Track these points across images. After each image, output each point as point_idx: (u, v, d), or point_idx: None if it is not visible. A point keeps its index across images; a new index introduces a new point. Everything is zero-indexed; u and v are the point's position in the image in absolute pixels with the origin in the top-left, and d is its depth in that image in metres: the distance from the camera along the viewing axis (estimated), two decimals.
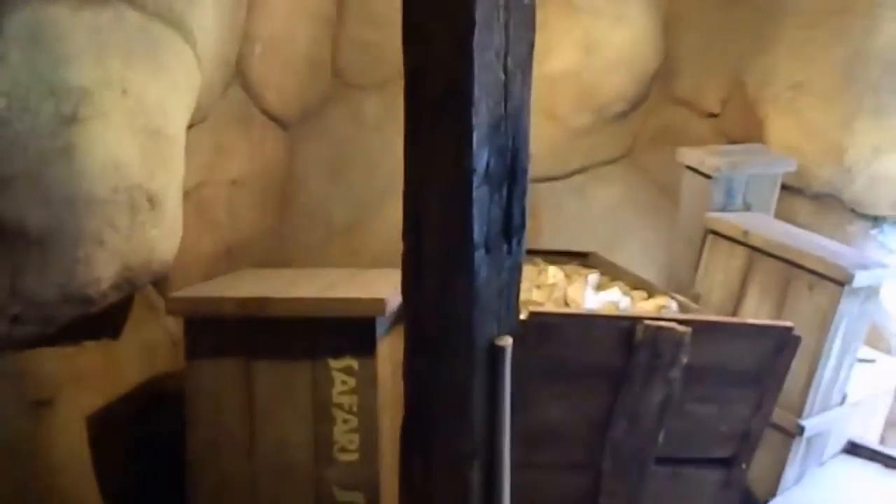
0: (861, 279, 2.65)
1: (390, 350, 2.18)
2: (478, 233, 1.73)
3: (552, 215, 3.60)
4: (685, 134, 3.75)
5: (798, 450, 2.84)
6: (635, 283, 2.75)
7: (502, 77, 1.71)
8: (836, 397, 2.93)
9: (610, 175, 3.70)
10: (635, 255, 3.57)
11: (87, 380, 2.24)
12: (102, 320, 2.26)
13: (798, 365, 2.73)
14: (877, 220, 3.54)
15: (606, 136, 3.65)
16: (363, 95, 3.32)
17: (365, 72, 3.30)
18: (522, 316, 1.94)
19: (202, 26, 2.38)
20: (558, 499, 2.16)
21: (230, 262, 2.90)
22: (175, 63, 2.18)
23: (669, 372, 2.07)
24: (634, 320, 2.01)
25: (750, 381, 2.15)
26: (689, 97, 3.79)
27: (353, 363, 2.11)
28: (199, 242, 2.72)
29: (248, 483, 2.13)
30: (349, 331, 2.08)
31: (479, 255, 1.74)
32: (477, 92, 1.64)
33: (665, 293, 2.63)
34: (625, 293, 2.56)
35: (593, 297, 2.44)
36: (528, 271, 2.70)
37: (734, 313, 2.92)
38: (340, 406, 2.12)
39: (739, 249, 2.91)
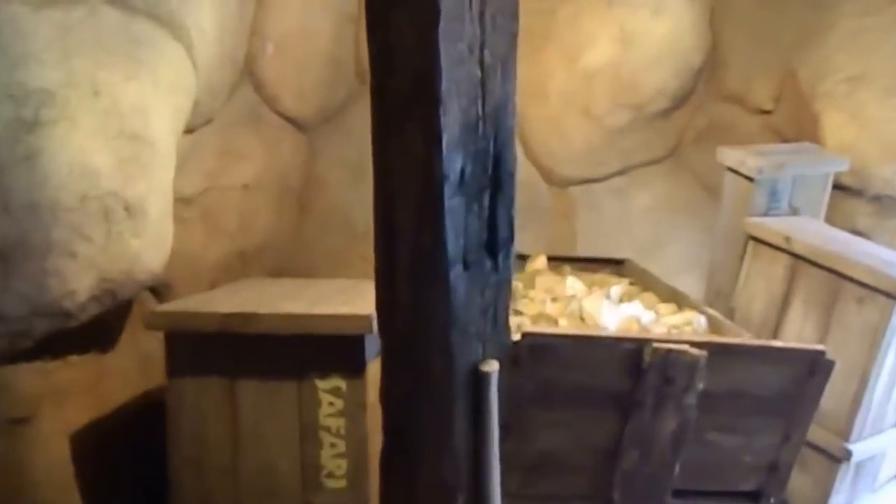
0: None
1: None
2: (453, 248, 1.50)
3: (589, 219, 3.32)
4: (734, 132, 3.41)
5: (846, 476, 2.52)
6: (666, 295, 2.46)
7: (478, 73, 1.46)
8: (892, 418, 2.59)
9: (651, 176, 3.39)
10: (678, 262, 3.27)
11: (73, 395, 2.09)
12: (92, 333, 2.12)
13: (845, 385, 2.42)
14: None
15: (647, 136, 3.34)
16: None
17: None
18: (515, 336, 1.71)
19: (199, 24, 2.21)
20: None
21: (244, 268, 2.74)
22: (161, 63, 2.01)
23: (684, 398, 1.80)
24: (641, 342, 1.74)
25: (777, 408, 1.86)
26: (739, 93, 3.44)
27: (342, 384, 1.91)
28: (207, 249, 2.56)
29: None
30: (337, 349, 1.87)
31: (456, 272, 1.51)
32: (445, 90, 1.40)
33: (696, 306, 2.33)
34: (649, 307, 2.28)
35: (612, 311, 2.17)
36: (549, 281, 2.46)
37: (776, 327, 2.61)
38: (328, 429, 1.93)
39: (782, 257, 2.59)
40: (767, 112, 3.41)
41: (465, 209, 1.50)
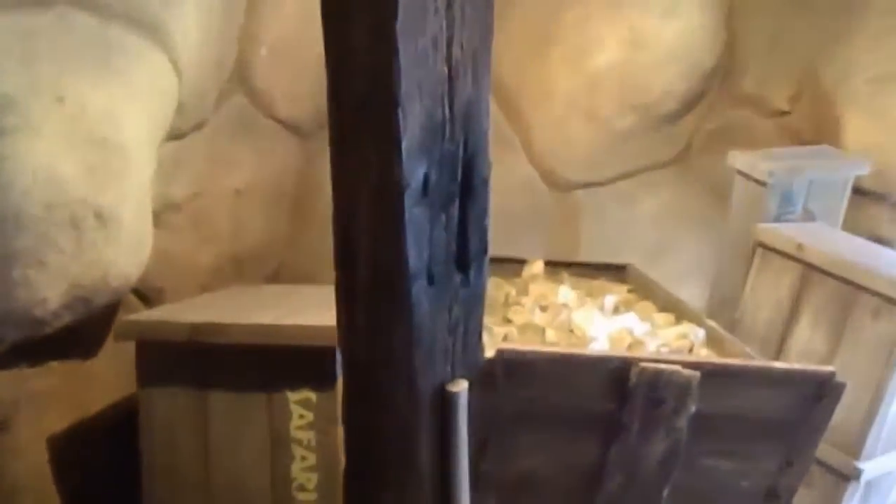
0: None
1: None
2: (415, 262, 1.35)
3: (592, 224, 3.14)
4: (749, 135, 3.22)
5: (854, 494, 2.32)
6: (666, 304, 2.29)
7: (444, 70, 1.31)
8: None
9: (659, 181, 3.20)
10: (684, 269, 3.08)
11: (52, 401, 1.99)
12: (72, 339, 2.01)
13: (856, 400, 2.23)
14: None
15: (656, 139, 3.15)
16: None
17: None
18: (489, 354, 1.56)
19: (182, 28, 2.09)
20: None
21: (238, 273, 2.62)
22: (135, 67, 1.89)
23: (674, 421, 1.63)
24: (628, 361, 1.58)
25: (779, 432, 1.68)
26: (755, 94, 3.24)
27: (312, 395, 1.77)
28: (197, 255, 2.44)
29: None
30: (307, 361, 1.74)
31: (419, 287, 1.36)
32: (405, 89, 1.26)
33: (696, 317, 2.16)
34: (646, 317, 2.11)
35: (603, 322, 2.00)
36: (543, 287, 2.29)
37: (782, 339, 2.42)
38: (299, 441, 1.80)
39: (792, 265, 2.40)
40: (785, 114, 3.21)
41: (430, 220, 1.36)
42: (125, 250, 1.90)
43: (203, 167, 2.41)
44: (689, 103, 3.13)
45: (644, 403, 1.60)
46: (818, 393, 1.63)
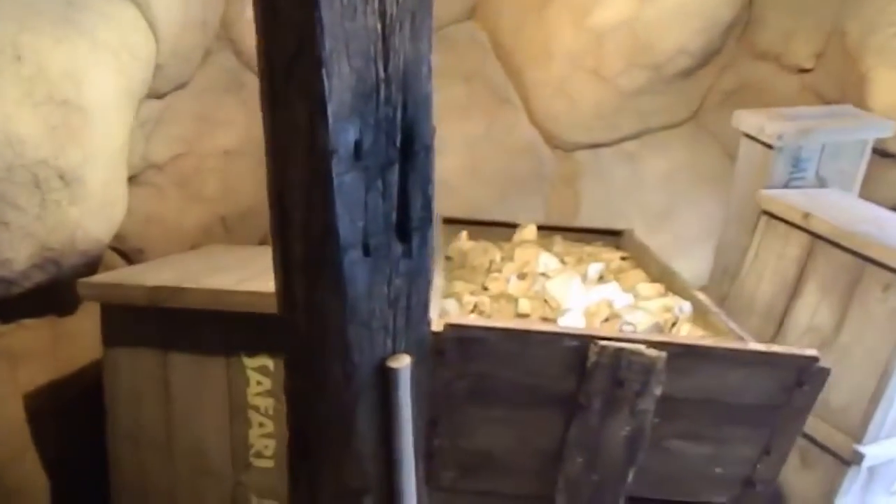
0: None
1: None
2: (348, 231, 1.24)
3: (595, 186, 2.98)
4: (769, 93, 3.01)
5: (856, 479, 2.17)
6: (657, 274, 2.14)
7: (377, 26, 1.19)
8: None
9: (669, 141, 3.01)
10: (694, 234, 2.92)
11: (27, 357, 1.96)
12: (49, 297, 1.97)
13: (862, 380, 2.08)
14: None
15: (666, 97, 2.96)
16: None
17: None
18: (437, 328, 1.45)
19: None
20: None
21: (227, 234, 2.54)
22: (102, 25, 1.79)
23: (638, 403, 1.51)
24: (586, 339, 1.46)
25: (757, 418, 1.54)
26: (776, 50, 3.02)
27: (269, 363, 1.70)
28: (184, 215, 2.37)
29: (167, 481, 1.80)
30: (264, 327, 1.65)
31: (352, 257, 1.25)
32: (329, 47, 1.14)
33: (686, 289, 2.00)
34: (630, 289, 1.97)
35: (582, 293, 1.87)
36: (530, 254, 2.16)
37: (784, 313, 2.25)
38: (256, 408, 1.73)
39: (798, 235, 2.22)
40: (807, 71, 2.98)
41: (365, 187, 1.24)
42: (93, 211, 1.83)
43: (189, 127, 2.32)
44: (705, 59, 2.93)
45: (605, 383, 1.48)
46: (799, 378, 1.48)
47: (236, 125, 2.46)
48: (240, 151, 2.49)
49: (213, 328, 1.70)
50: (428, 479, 1.66)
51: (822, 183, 2.44)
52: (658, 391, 1.48)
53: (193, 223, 2.40)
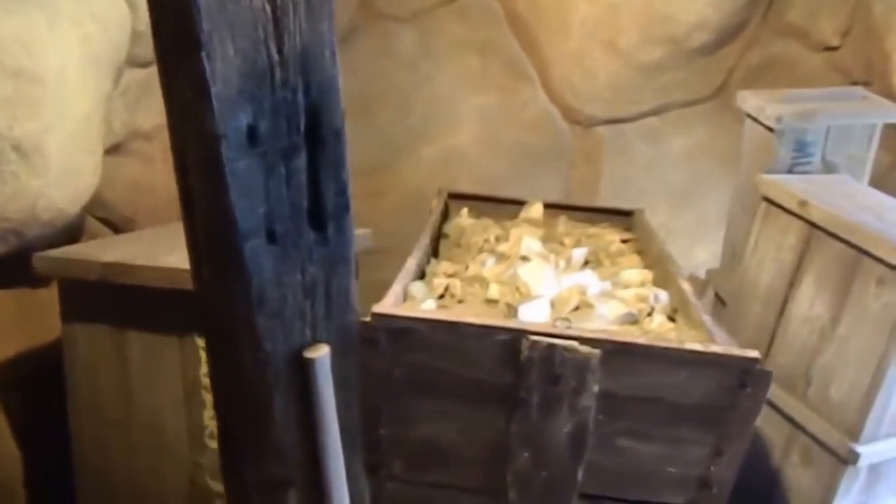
0: None
1: None
2: (248, 218, 1.18)
3: (614, 163, 2.84)
4: (794, 71, 2.80)
5: (855, 479, 2.01)
6: (652, 260, 2.00)
7: (265, 7, 1.12)
8: None
9: (691, 118, 2.83)
10: (714, 214, 2.73)
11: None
12: (21, 268, 1.97)
13: (857, 376, 1.93)
14: None
15: (688, 73, 2.78)
16: (396, 27, 2.74)
17: (397, 1, 2.72)
18: (365, 318, 1.38)
19: None
20: None
21: None
22: None
23: (577, 400, 1.41)
24: (518, 333, 1.36)
25: (703, 419, 1.43)
26: (801, 26, 2.80)
27: None
28: (174, 183, 2.35)
29: (126, 458, 1.79)
30: None
31: (254, 245, 1.20)
32: (208, 29, 1.07)
33: (674, 278, 1.85)
34: (611, 276, 1.84)
35: (554, 279, 1.76)
36: (524, 234, 2.04)
37: (784, 302, 2.10)
38: (208, 388, 1.70)
39: (796, 223, 2.05)
40: (834, 49, 2.74)
41: (265, 173, 1.18)
42: (55, 182, 1.81)
43: None
44: (726, 35, 2.73)
45: (540, 380, 1.39)
46: (741, 380, 1.36)
47: None
48: None
49: (167, 306, 1.67)
50: (376, 468, 1.62)
51: (830, 168, 2.25)
52: (596, 388, 1.38)
53: None
